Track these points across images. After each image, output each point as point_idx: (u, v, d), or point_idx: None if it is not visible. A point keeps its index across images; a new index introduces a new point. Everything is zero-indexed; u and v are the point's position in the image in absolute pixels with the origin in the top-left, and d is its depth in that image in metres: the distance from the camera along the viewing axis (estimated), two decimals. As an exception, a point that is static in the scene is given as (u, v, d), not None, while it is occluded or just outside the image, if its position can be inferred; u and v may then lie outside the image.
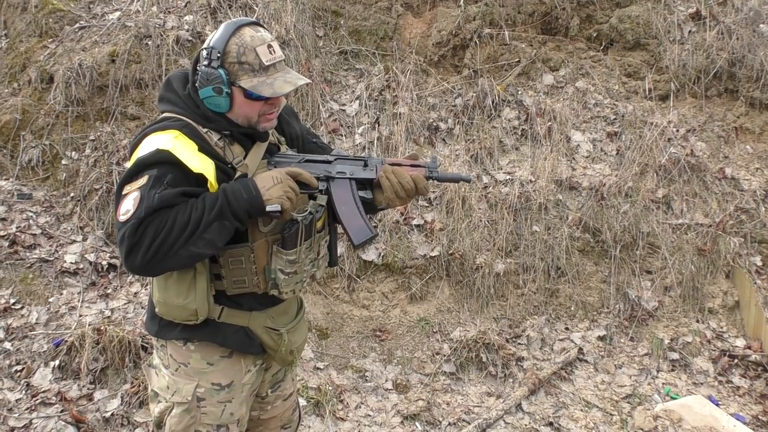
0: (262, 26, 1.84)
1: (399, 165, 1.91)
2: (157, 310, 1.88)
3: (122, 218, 1.67)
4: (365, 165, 1.91)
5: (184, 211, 1.68)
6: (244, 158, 1.85)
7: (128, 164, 1.78)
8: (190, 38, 4.60)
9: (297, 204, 1.81)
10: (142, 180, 1.69)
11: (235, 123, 1.84)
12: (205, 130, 1.81)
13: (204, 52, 1.78)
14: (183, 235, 1.66)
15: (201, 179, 1.74)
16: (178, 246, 1.66)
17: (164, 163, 1.70)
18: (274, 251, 1.84)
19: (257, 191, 1.73)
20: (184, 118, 1.81)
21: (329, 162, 1.90)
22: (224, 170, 1.80)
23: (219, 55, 1.75)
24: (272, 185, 1.74)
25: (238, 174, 1.81)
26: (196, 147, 1.75)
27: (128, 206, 1.67)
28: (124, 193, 1.72)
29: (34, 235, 3.94)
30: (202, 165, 1.74)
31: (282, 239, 1.83)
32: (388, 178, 1.87)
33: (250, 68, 1.76)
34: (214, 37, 1.79)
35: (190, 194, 1.73)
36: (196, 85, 1.80)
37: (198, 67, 1.80)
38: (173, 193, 1.69)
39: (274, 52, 1.80)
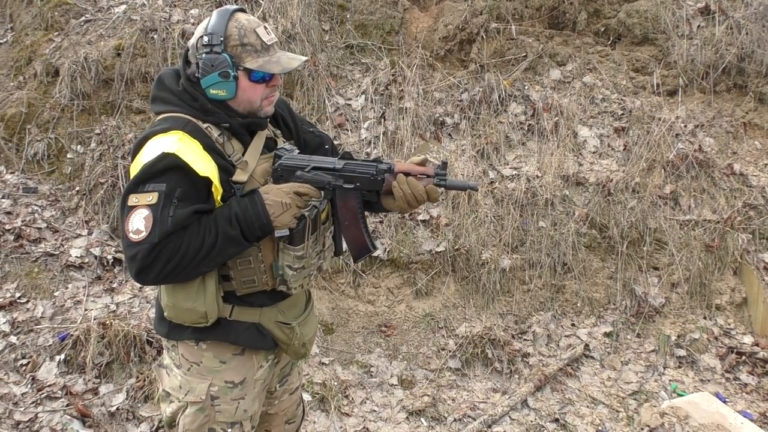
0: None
1: (409, 174, 1.83)
2: (165, 314, 1.86)
3: (133, 237, 1.66)
4: (373, 176, 1.84)
5: (197, 234, 1.70)
6: (243, 154, 1.83)
7: (132, 168, 1.75)
8: (196, 32, 4.59)
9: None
10: (152, 197, 1.67)
11: (234, 113, 1.82)
12: (205, 125, 1.79)
13: (205, 39, 1.75)
14: (196, 259, 1.70)
15: (207, 181, 1.73)
16: (190, 268, 1.71)
17: (171, 169, 1.68)
18: (281, 248, 1.83)
19: (267, 219, 1.74)
20: (184, 115, 1.79)
21: (337, 170, 1.85)
22: (225, 168, 1.78)
23: (221, 39, 1.74)
24: (281, 212, 1.75)
25: (238, 172, 1.80)
26: (201, 146, 1.74)
27: (139, 225, 1.66)
28: (131, 204, 1.68)
29: (40, 229, 3.94)
30: (207, 167, 1.73)
31: (290, 236, 1.81)
32: (402, 189, 1.81)
33: (253, 49, 1.77)
34: (209, 24, 1.77)
35: (201, 211, 1.74)
36: (197, 75, 1.78)
37: (196, 57, 1.78)
38: (185, 214, 1.69)
39: (270, 33, 1.83)
